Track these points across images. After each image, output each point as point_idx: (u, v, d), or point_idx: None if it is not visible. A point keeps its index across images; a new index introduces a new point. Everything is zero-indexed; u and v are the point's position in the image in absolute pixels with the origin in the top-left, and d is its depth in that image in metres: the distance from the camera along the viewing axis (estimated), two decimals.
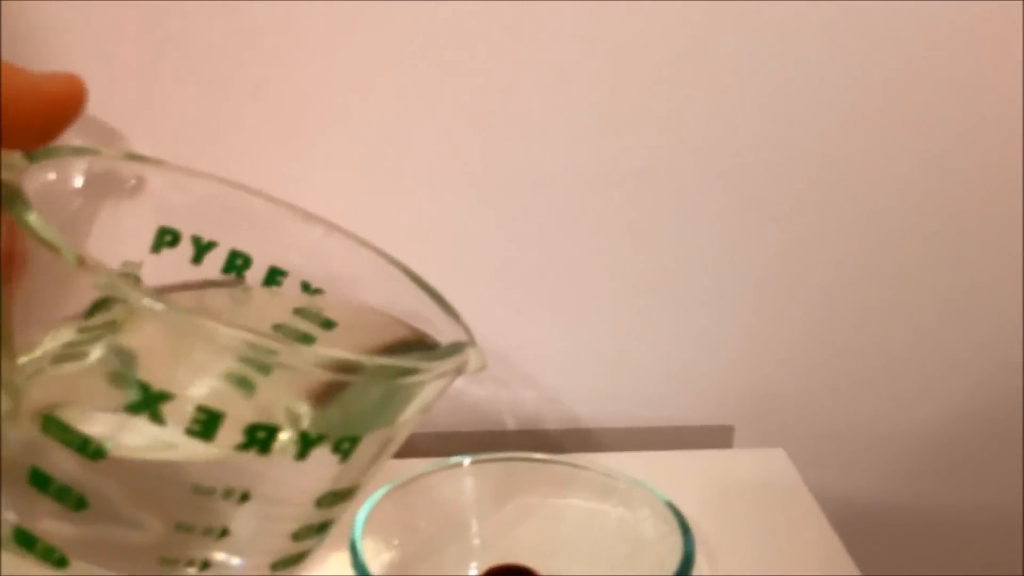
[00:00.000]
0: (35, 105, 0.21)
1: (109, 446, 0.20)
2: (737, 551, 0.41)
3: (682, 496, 0.37)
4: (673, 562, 0.33)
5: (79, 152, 0.24)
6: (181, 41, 0.41)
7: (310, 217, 0.28)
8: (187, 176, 0.26)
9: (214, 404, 0.20)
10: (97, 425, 0.20)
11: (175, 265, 0.26)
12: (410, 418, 0.24)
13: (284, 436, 0.21)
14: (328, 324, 0.28)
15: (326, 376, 0.21)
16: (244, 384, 0.21)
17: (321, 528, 0.24)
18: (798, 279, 0.51)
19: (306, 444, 0.21)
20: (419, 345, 0.27)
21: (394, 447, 0.24)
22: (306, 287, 0.28)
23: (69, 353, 0.21)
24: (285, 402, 0.22)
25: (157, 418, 0.20)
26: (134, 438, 0.21)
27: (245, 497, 0.21)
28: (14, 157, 0.21)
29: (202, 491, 0.21)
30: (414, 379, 0.22)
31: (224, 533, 0.22)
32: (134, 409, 0.20)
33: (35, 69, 0.21)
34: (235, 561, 0.23)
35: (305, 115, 0.44)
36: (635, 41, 0.44)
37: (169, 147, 0.41)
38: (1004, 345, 0.53)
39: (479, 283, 0.48)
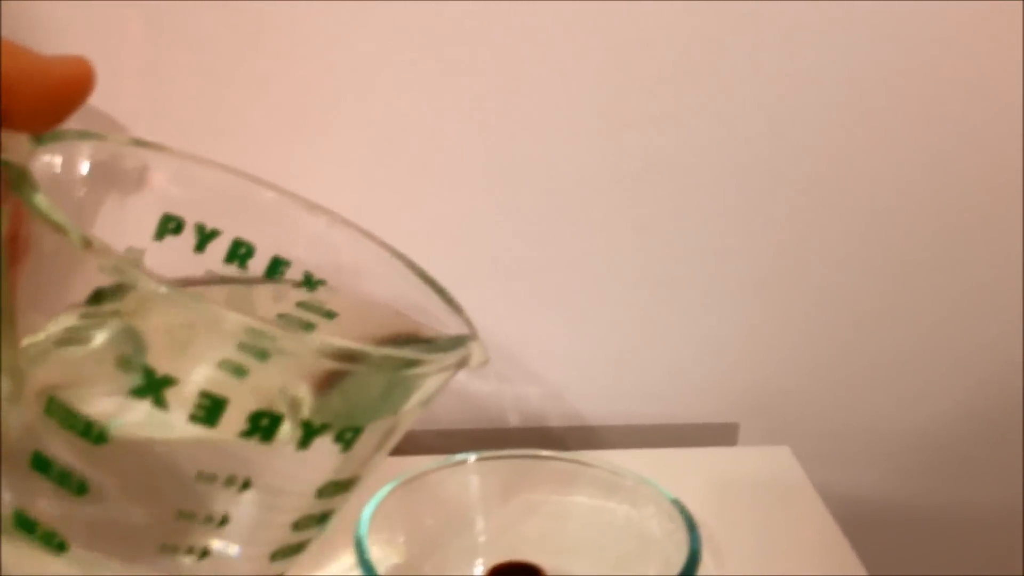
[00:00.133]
0: (43, 87, 0.21)
1: (112, 429, 0.20)
2: (742, 548, 0.41)
3: (687, 493, 0.36)
4: (679, 559, 0.33)
5: (85, 136, 0.24)
6: (185, 37, 0.41)
7: (315, 208, 0.28)
8: (192, 163, 0.26)
9: (217, 390, 0.20)
10: (99, 409, 0.20)
11: (178, 252, 0.26)
12: (411, 410, 0.24)
13: (287, 425, 0.21)
14: (330, 315, 0.28)
15: (328, 365, 0.21)
16: (245, 370, 0.21)
17: (321, 519, 0.24)
18: (802, 277, 0.51)
19: (308, 433, 0.21)
20: (421, 338, 0.27)
21: (395, 439, 0.24)
22: (308, 278, 0.28)
23: (73, 337, 0.21)
24: (287, 390, 0.22)
25: (161, 403, 0.20)
26: (134, 423, 0.21)
27: (247, 485, 0.21)
28: (21, 139, 0.21)
29: (204, 478, 0.21)
30: (416, 371, 0.22)
31: (224, 521, 0.21)
32: (138, 393, 0.20)
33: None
34: (234, 550, 0.23)
35: (310, 111, 0.44)
36: (640, 39, 0.44)
37: (174, 143, 0.41)
38: (1007, 343, 0.53)
39: (482, 279, 0.48)
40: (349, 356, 0.20)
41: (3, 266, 0.21)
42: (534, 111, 0.45)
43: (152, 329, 0.21)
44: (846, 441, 0.55)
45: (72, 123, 0.23)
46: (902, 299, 0.52)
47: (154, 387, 0.19)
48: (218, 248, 0.27)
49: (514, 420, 0.50)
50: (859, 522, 0.48)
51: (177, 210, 0.26)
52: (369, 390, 0.23)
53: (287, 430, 0.21)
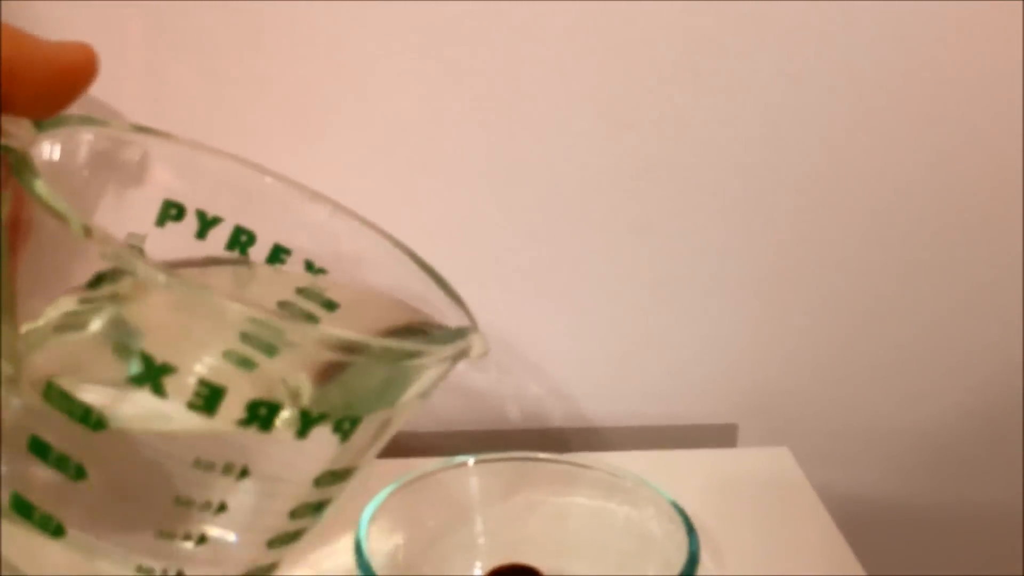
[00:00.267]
0: (46, 73, 0.21)
1: (110, 416, 0.20)
2: (741, 549, 0.41)
3: (686, 495, 0.36)
4: (679, 560, 0.33)
5: (88, 122, 0.24)
6: (185, 37, 0.41)
7: (317, 197, 0.28)
8: (194, 150, 0.26)
9: (216, 378, 0.20)
10: (98, 395, 0.20)
11: (179, 239, 0.26)
12: (410, 401, 0.24)
13: (286, 414, 0.21)
14: (330, 305, 0.28)
15: (328, 355, 0.21)
16: (245, 360, 0.21)
17: (318, 507, 0.24)
18: (802, 278, 0.51)
19: (307, 423, 0.21)
20: (421, 329, 0.27)
21: (393, 430, 0.24)
22: (310, 266, 0.28)
23: (72, 323, 0.21)
24: (286, 379, 0.22)
25: (159, 391, 0.20)
26: (133, 410, 0.21)
27: (244, 473, 0.21)
28: (23, 124, 0.21)
29: (202, 465, 0.21)
30: (415, 362, 0.22)
31: (222, 508, 0.22)
32: (137, 381, 0.20)
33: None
34: (231, 537, 0.23)
35: (311, 111, 0.44)
36: (641, 39, 0.44)
37: None
38: (1007, 343, 0.53)
39: (482, 279, 0.48)
40: (349, 347, 0.20)
41: (3, 251, 0.21)
42: (535, 111, 0.45)
43: (151, 316, 0.21)
44: (846, 441, 0.55)
45: (73, 111, 0.23)
46: (902, 299, 0.52)
47: (153, 375, 0.19)
48: (219, 235, 0.27)
49: (514, 420, 0.50)
50: (859, 522, 0.48)
51: (179, 197, 0.26)
52: (368, 381, 0.23)
53: (285, 419, 0.21)
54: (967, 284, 0.51)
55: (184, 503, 0.21)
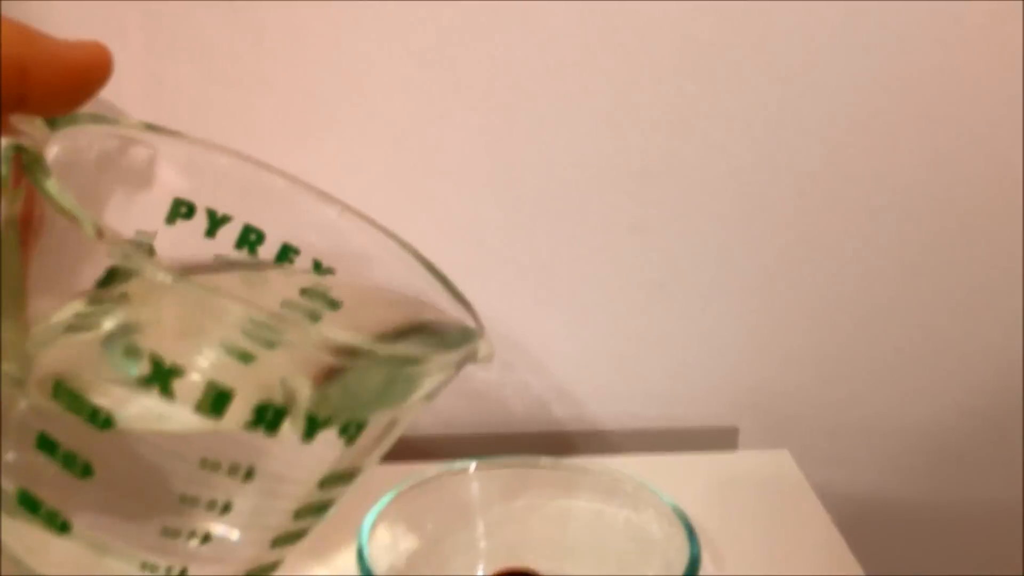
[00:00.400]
0: (61, 72, 0.21)
1: (117, 416, 0.20)
2: (742, 552, 0.41)
3: (687, 497, 0.36)
4: (680, 563, 0.33)
5: (99, 121, 0.24)
6: (186, 38, 0.41)
7: (326, 197, 0.28)
8: (205, 149, 0.26)
9: (223, 380, 0.20)
10: (105, 395, 0.20)
11: (189, 237, 0.26)
12: (414, 404, 0.24)
13: (292, 417, 0.21)
14: (334, 304, 0.28)
15: (329, 359, 0.21)
16: (248, 360, 0.21)
17: (321, 508, 0.24)
18: (803, 279, 0.51)
19: (313, 426, 0.21)
20: (427, 330, 0.27)
21: (398, 432, 0.24)
22: (318, 266, 0.28)
23: (81, 323, 0.21)
24: (287, 380, 0.22)
25: (167, 393, 0.20)
26: (139, 409, 0.21)
27: (250, 474, 0.21)
28: (36, 123, 0.21)
29: (208, 465, 0.21)
30: (419, 368, 0.22)
31: (227, 508, 0.22)
32: (145, 383, 0.20)
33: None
34: (235, 536, 0.23)
35: (312, 113, 0.44)
36: (641, 41, 0.44)
37: None
38: (1008, 344, 0.53)
39: (483, 280, 0.48)
40: (350, 352, 0.20)
41: (15, 249, 0.21)
42: (537, 112, 0.45)
43: (159, 316, 0.21)
44: (847, 442, 0.55)
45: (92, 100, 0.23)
46: (901, 301, 0.52)
47: (161, 377, 0.20)
48: (229, 233, 0.27)
49: (514, 417, 0.51)
50: (860, 522, 0.48)
51: (189, 195, 0.26)
52: (370, 383, 0.23)
53: (291, 423, 0.21)
54: (966, 286, 0.51)
55: (189, 502, 0.21)
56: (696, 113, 0.46)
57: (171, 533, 0.22)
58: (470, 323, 0.26)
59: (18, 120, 0.21)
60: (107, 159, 0.24)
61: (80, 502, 0.21)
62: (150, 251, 0.25)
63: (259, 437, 0.21)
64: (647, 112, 0.46)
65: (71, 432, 0.20)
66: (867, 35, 0.45)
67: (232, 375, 0.20)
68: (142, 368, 0.20)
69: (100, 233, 0.19)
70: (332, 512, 0.24)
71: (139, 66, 0.41)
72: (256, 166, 0.27)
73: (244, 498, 0.22)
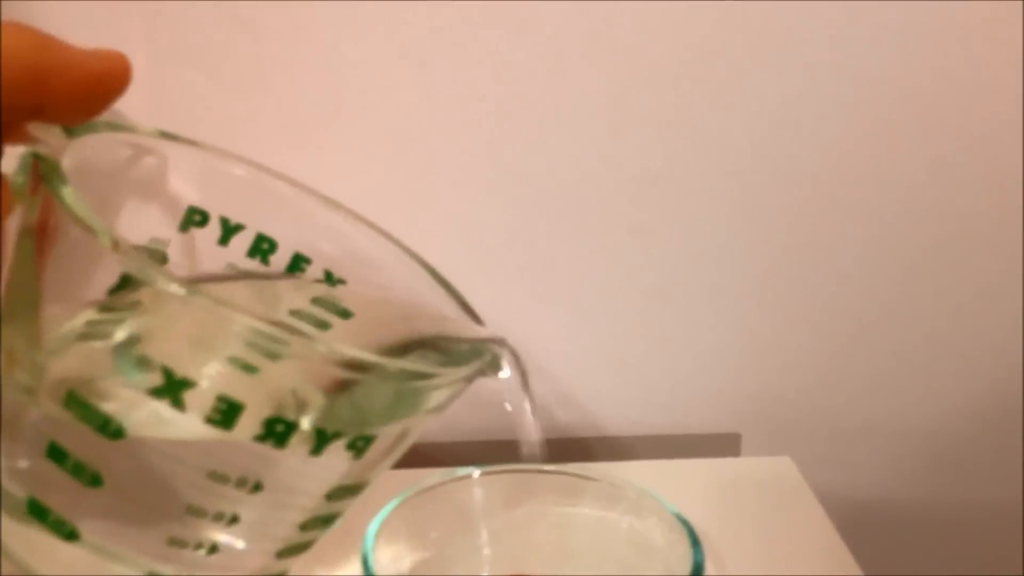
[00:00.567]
0: (80, 81, 0.21)
1: (128, 426, 0.20)
2: (744, 559, 0.42)
3: (690, 505, 0.37)
4: (682, 570, 0.33)
5: (116, 128, 0.24)
6: (187, 42, 0.41)
7: (338, 206, 0.28)
8: (220, 158, 0.26)
9: (234, 392, 0.20)
10: (115, 405, 0.20)
11: (202, 245, 0.26)
12: (423, 418, 0.24)
13: (301, 431, 0.21)
14: (345, 314, 0.28)
15: (337, 373, 0.21)
16: (258, 371, 0.21)
17: (328, 520, 0.24)
18: (804, 285, 0.51)
19: (322, 440, 0.21)
20: (437, 342, 0.27)
21: (405, 445, 0.24)
22: (329, 276, 0.28)
23: (93, 332, 0.21)
24: (295, 390, 0.22)
25: (178, 404, 0.20)
26: (149, 419, 0.21)
27: (258, 486, 0.21)
28: (53, 131, 0.21)
29: (216, 477, 0.21)
30: (428, 383, 0.22)
31: (234, 519, 0.22)
32: (156, 394, 0.20)
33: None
34: (241, 546, 0.23)
35: (314, 116, 0.43)
36: (643, 45, 0.44)
37: None
38: (1008, 347, 0.53)
39: (483, 285, 0.48)
40: (359, 366, 0.20)
41: (31, 258, 0.21)
42: (538, 118, 0.45)
43: (171, 324, 0.21)
44: (848, 445, 0.55)
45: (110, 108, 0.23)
46: (902, 306, 0.52)
47: (172, 388, 0.20)
48: (241, 242, 0.27)
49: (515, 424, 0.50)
50: (861, 525, 0.48)
51: (203, 203, 0.26)
52: (380, 397, 0.23)
53: (301, 437, 0.21)
54: (966, 290, 0.52)
55: (197, 512, 0.21)
56: (697, 117, 0.46)
57: (178, 543, 0.22)
58: (482, 335, 0.26)
59: (36, 128, 0.21)
60: (122, 166, 0.24)
61: (88, 510, 0.21)
62: (163, 259, 0.25)
63: (268, 449, 0.21)
64: (648, 116, 0.46)
65: (81, 441, 0.20)
66: (867, 40, 0.45)
67: (242, 387, 0.20)
68: (153, 379, 0.20)
69: (115, 244, 0.19)
70: (338, 523, 0.24)
71: (141, 69, 0.41)
72: (269, 175, 0.27)
73: (251, 510, 0.22)
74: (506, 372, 0.25)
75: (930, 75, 0.46)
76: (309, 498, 0.23)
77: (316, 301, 0.28)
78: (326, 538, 0.25)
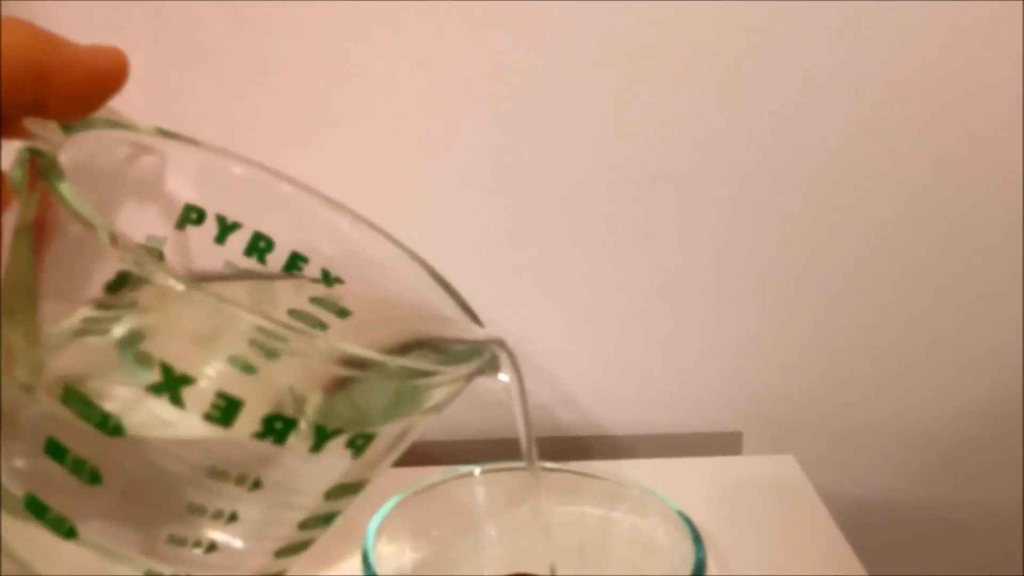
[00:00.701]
0: (79, 77, 0.21)
1: (127, 423, 0.20)
2: (747, 557, 0.42)
3: (692, 503, 0.37)
4: (685, 569, 0.33)
5: (114, 125, 0.24)
6: (189, 42, 0.41)
7: (337, 206, 0.28)
8: (217, 156, 0.26)
9: (233, 389, 0.20)
10: (114, 402, 0.20)
11: (198, 243, 0.26)
12: (422, 417, 0.24)
13: (300, 429, 0.21)
14: (344, 313, 0.28)
15: (337, 370, 0.21)
16: (257, 369, 0.21)
17: (327, 518, 0.24)
18: (806, 285, 0.51)
19: (321, 437, 0.21)
20: (437, 342, 0.27)
21: (405, 444, 0.24)
22: (327, 275, 0.28)
23: (92, 328, 0.21)
24: (293, 387, 0.22)
25: (177, 401, 0.20)
26: (148, 417, 0.21)
27: (258, 484, 0.21)
28: (51, 128, 0.21)
29: (216, 475, 0.21)
30: (428, 381, 0.22)
31: (233, 517, 0.22)
32: (155, 390, 0.20)
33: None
34: (241, 545, 0.23)
35: (316, 117, 0.44)
36: (645, 46, 0.44)
37: None
38: (1009, 348, 0.53)
39: (485, 284, 0.48)
40: (359, 363, 0.20)
41: (29, 253, 0.21)
42: (542, 119, 0.45)
43: (170, 321, 0.21)
44: (851, 446, 0.55)
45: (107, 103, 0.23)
46: (905, 306, 0.52)
47: (171, 385, 0.20)
48: (238, 240, 0.27)
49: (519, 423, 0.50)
50: (863, 525, 0.48)
51: (200, 200, 0.26)
52: (380, 395, 0.23)
53: (300, 434, 0.21)
54: (968, 291, 0.52)
55: (196, 511, 0.21)
56: (699, 119, 0.46)
57: (177, 541, 0.22)
58: (481, 336, 0.26)
59: (34, 124, 0.21)
60: (120, 163, 0.24)
61: (87, 508, 0.21)
62: (160, 256, 0.25)
63: (267, 447, 0.21)
64: (650, 117, 0.46)
65: (80, 438, 0.20)
66: (868, 41, 0.45)
67: (242, 384, 0.20)
68: (152, 376, 0.20)
69: (114, 240, 0.19)
70: (338, 522, 0.24)
71: (142, 68, 0.41)
72: (268, 173, 0.27)
73: (251, 508, 0.22)
74: (504, 377, 0.25)
75: (931, 76, 0.46)
76: (309, 497, 0.23)
77: (314, 301, 0.28)
78: (326, 537, 0.25)
